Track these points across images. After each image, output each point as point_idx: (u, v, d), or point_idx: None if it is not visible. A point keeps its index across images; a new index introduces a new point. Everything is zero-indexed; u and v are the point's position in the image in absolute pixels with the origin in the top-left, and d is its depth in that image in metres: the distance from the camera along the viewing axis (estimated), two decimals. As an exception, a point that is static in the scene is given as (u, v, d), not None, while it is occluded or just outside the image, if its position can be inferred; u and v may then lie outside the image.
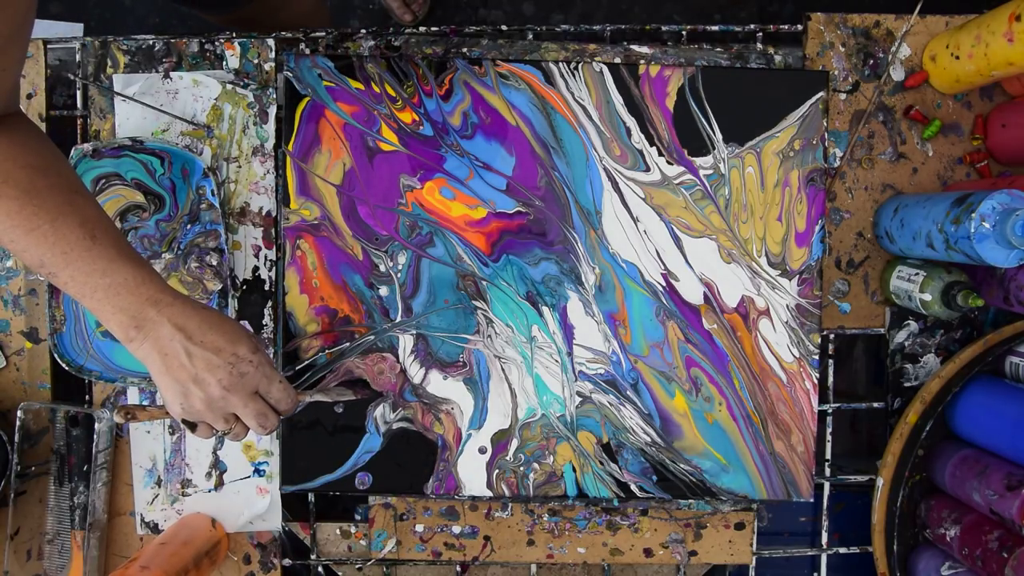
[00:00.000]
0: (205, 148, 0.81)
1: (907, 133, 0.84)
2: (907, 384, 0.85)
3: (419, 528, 0.85)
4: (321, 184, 0.80)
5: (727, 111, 0.80)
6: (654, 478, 0.81)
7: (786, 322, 0.81)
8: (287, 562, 0.85)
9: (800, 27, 0.84)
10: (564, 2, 1.61)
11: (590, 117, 0.80)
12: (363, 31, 0.84)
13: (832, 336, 0.85)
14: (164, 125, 0.81)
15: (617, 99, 0.80)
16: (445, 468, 0.81)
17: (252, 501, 0.83)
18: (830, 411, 0.86)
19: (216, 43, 0.82)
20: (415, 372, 0.80)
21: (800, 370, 0.81)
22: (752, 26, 0.85)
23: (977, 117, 0.83)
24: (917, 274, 0.76)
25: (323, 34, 0.84)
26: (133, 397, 0.83)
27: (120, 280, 0.55)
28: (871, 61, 0.83)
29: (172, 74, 0.81)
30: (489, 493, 0.81)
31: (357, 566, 0.86)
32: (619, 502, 0.84)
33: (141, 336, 0.56)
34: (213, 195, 0.80)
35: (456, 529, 0.85)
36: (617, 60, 0.83)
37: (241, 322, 0.82)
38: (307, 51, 0.84)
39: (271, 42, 0.82)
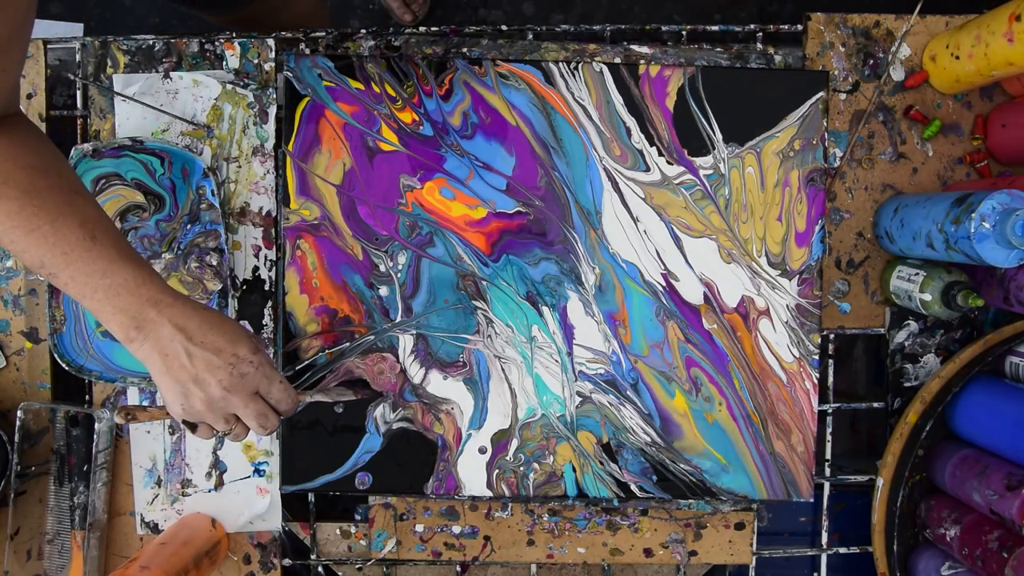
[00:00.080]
0: (205, 148, 0.81)
1: (907, 133, 0.84)
2: (907, 384, 0.85)
3: (419, 528, 0.85)
4: (321, 184, 0.80)
5: (727, 111, 0.80)
6: (654, 478, 0.81)
7: (786, 322, 0.81)
8: (287, 562, 0.85)
9: (800, 27, 0.84)
10: (564, 2, 1.61)
11: (590, 117, 0.80)
12: (363, 31, 0.84)
13: (832, 336, 0.85)
14: (164, 125, 0.81)
15: (617, 99, 0.80)
16: (445, 468, 0.81)
17: (252, 501, 0.83)
18: (830, 411, 0.86)
19: (216, 43, 0.82)
20: (415, 372, 0.80)
21: (800, 370, 0.81)
22: (752, 26, 0.85)
23: (977, 117, 0.83)
24: (917, 274, 0.76)
25: (323, 34, 0.84)
26: (133, 397, 0.83)
27: (120, 281, 0.55)
28: (871, 61, 0.83)
29: (172, 74, 0.81)
30: (489, 493, 0.81)
31: (357, 566, 0.86)
32: (619, 502, 0.85)
33: (141, 337, 0.56)
34: (213, 195, 0.80)
35: (456, 529, 0.85)
36: (617, 60, 0.83)
37: (241, 322, 0.82)
38: (307, 51, 0.84)
39: (271, 42, 0.82)
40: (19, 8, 0.51)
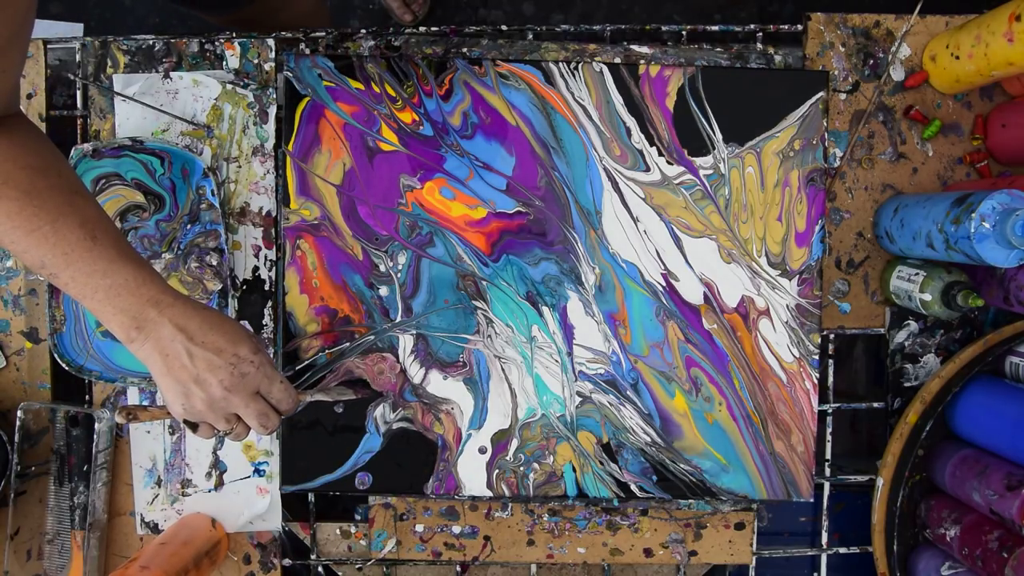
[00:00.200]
0: (205, 148, 0.81)
1: (907, 133, 0.84)
2: (907, 384, 0.85)
3: (419, 528, 0.85)
4: (321, 184, 0.80)
5: (727, 111, 0.80)
6: (654, 478, 0.81)
7: (786, 322, 0.81)
8: (287, 562, 0.85)
9: (800, 27, 0.84)
10: (564, 2, 1.61)
11: (590, 117, 0.80)
12: (363, 31, 0.84)
13: (832, 336, 0.85)
14: (164, 125, 0.81)
15: (617, 99, 0.80)
16: (445, 468, 0.81)
17: (252, 501, 0.83)
18: (830, 411, 0.86)
19: (216, 43, 0.82)
20: (415, 372, 0.80)
21: (800, 370, 0.81)
22: (752, 26, 0.85)
23: (977, 117, 0.83)
24: (917, 274, 0.76)
25: (323, 34, 0.84)
26: (133, 397, 0.83)
27: (121, 281, 0.55)
28: (871, 61, 0.83)
29: (172, 74, 0.81)
30: (489, 493, 0.81)
31: (357, 566, 0.86)
32: (619, 502, 0.85)
33: (142, 337, 0.56)
34: (213, 195, 0.80)
35: (456, 529, 0.85)
36: (617, 60, 0.83)
37: (241, 322, 0.82)
38: (307, 51, 0.84)
39: (271, 42, 0.82)
40: (19, 8, 0.51)
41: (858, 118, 0.84)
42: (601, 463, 0.81)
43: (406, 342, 0.80)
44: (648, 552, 0.85)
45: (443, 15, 1.62)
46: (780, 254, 0.81)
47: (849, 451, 0.97)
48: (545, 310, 0.81)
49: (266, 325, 0.83)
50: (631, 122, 0.80)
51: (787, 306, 0.81)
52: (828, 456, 0.86)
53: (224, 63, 0.82)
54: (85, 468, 0.82)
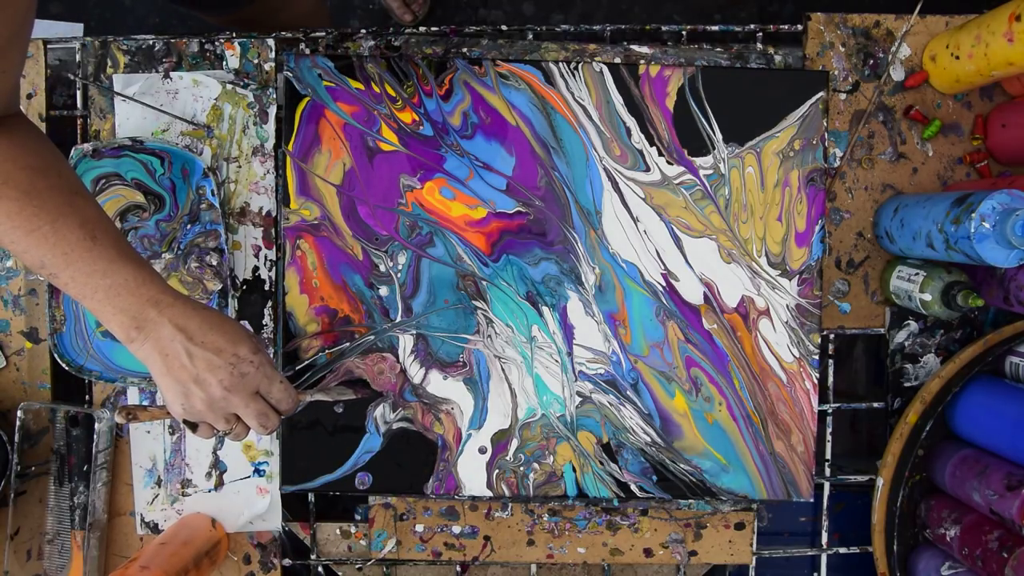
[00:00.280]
0: (205, 148, 0.81)
1: (907, 133, 0.84)
2: (907, 384, 0.85)
3: (419, 528, 0.85)
4: (321, 184, 0.80)
5: (727, 111, 0.80)
6: (654, 478, 0.81)
7: (786, 322, 0.81)
8: (287, 562, 0.85)
9: (800, 27, 0.84)
10: (564, 2, 1.61)
11: (590, 117, 0.80)
12: (363, 31, 0.84)
13: (832, 336, 0.85)
14: (164, 125, 0.81)
15: (617, 99, 0.80)
16: (445, 468, 0.81)
17: (252, 501, 0.83)
18: (830, 411, 0.86)
19: (216, 43, 0.82)
20: (415, 372, 0.80)
21: (800, 370, 0.81)
22: (752, 26, 0.85)
23: (977, 117, 0.83)
24: (917, 274, 0.76)
25: (323, 34, 0.84)
26: (133, 397, 0.83)
27: (121, 281, 0.55)
28: (871, 61, 0.83)
29: (172, 74, 0.81)
30: (489, 493, 0.81)
31: (357, 566, 0.86)
32: (619, 502, 0.85)
33: (142, 337, 0.56)
34: (213, 195, 0.80)
35: (456, 529, 0.85)
36: (617, 60, 0.83)
37: (241, 322, 0.82)
38: (307, 51, 0.84)
39: (271, 42, 0.82)
40: (19, 9, 0.51)
41: (858, 118, 0.84)
42: (601, 463, 0.81)
43: (406, 342, 0.80)
44: (648, 552, 0.85)
45: (443, 15, 1.62)
46: (780, 254, 0.81)
47: (849, 451, 0.97)
48: (545, 310, 0.81)
49: (266, 325, 0.83)
50: (631, 122, 0.80)
51: (787, 306, 0.81)
52: (828, 456, 0.86)
53: (224, 63, 0.82)
54: (85, 468, 0.82)
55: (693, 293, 0.81)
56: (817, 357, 0.81)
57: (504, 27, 0.85)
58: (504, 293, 0.80)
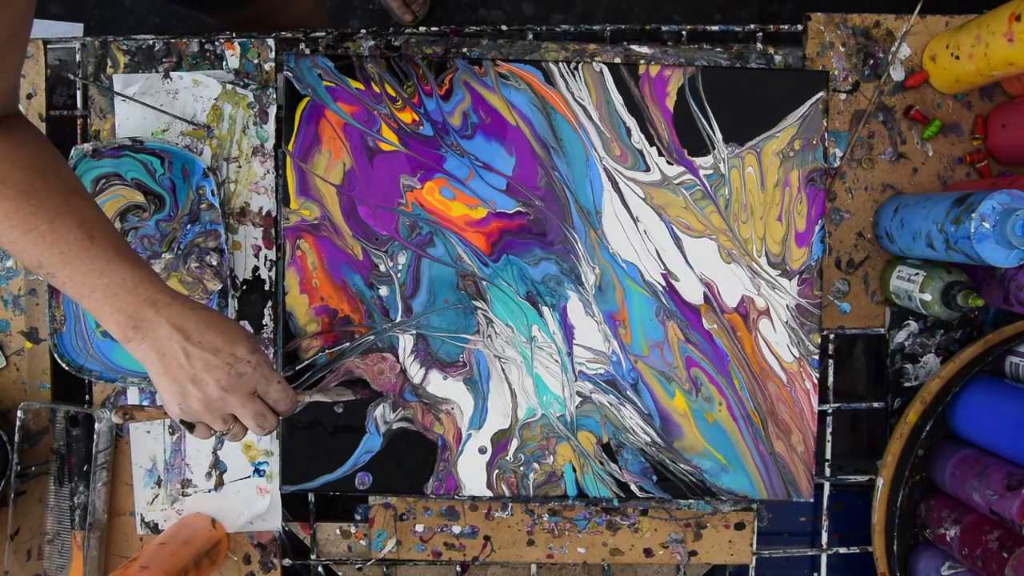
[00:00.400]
0: (205, 148, 0.81)
1: (907, 133, 0.84)
2: (907, 384, 0.85)
3: (419, 528, 0.85)
4: (321, 184, 0.80)
5: (727, 111, 0.80)
6: (654, 478, 0.81)
7: (786, 322, 0.81)
8: (287, 562, 0.85)
9: (800, 27, 0.84)
10: (564, 2, 1.61)
11: (590, 117, 0.80)
12: (363, 31, 0.84)
13: (832, 336, 0.85)
14: (164, 125, 0.81)
15: (617, 99, 0.80)
16: (445, 468, 0.81)
17: (252, 501, 0.83)
18: (830, 411, 0.86)
19: (216, 43, 0.82)
20: (415, 372, 0.80)
21: (800, 370, 0.81)
22: (752, 26, 0.84)
23: (977, 117, 0.83)
24: (917, 274, 0.76)
25: (323, 34, 0.84)
26: (133, 397, 0.83)
27: (118, 280, 0.55)
28: (871, 61, 0.83)
29: (172, 74, 0.81)
30: (489, 493, 0.81)
31: (357, 566, 0.86)
32: (619, 502, 0.84)
33: (139, 336, 0.56)
34: (213, 195, 0.80)
35: (456, 529, 0.85)
36: (617, 60, 0.83)
37: (241, 322, 0.82)
38: (307, 51, 0.84)
39: (271, 42, 0.82)
40: (18, 9, 0.51)
41: (858, 118, 0.84)
42: (601, 463, 0.81)
43: (406, 342, 0.80)
44: (648, 552, 0.85)
45: (443, 15, 1.62)
46: (780, 254, 0.81)
47: (849, 451, 0.97)
48: (545, 310, 0.81)
49: (266, 325, 0.83)
50: (631, 122, 0.80)
51: (787, 306, 0.81)
52: (828, 456, 0.86)
53: (224, 63, 0.82)
54: (85, 468, 0.82)
55: (693, 293, 0.81)
56: (817, 357, 0.81)
57: (504, 27, 0.85)
58: (504, 293, 0.80)
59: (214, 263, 0.81)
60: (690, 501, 0.84)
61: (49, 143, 0.59)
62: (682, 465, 0.81)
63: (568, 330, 0.81)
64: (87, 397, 0.83)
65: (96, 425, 0.82)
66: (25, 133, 0.58)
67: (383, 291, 0.80)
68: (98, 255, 0.55)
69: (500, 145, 0.80)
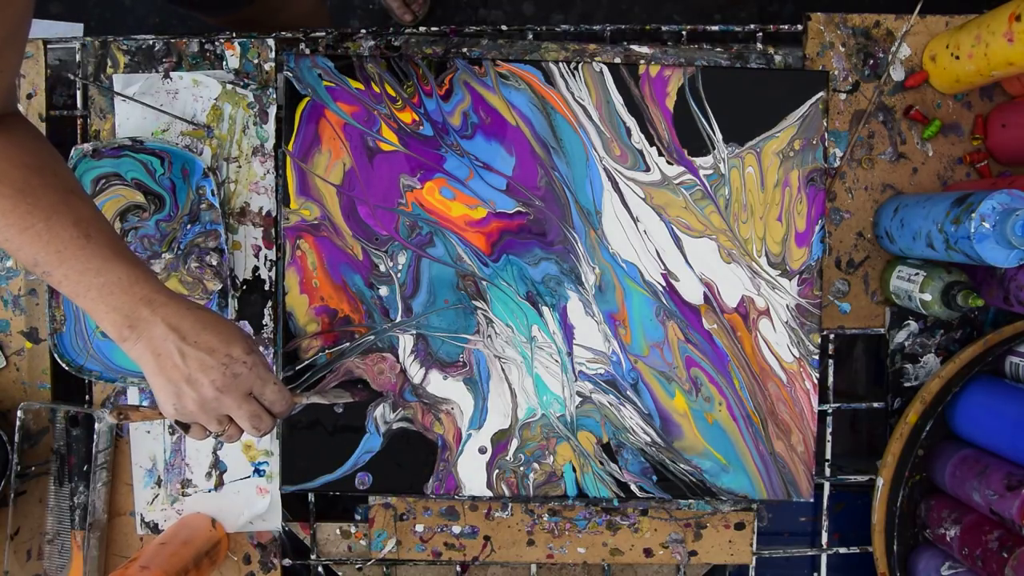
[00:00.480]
0: (205, 148, 0.81)
1: (907, 133, 0.84)
2: (907, 384, 0.85)
3: (419, 528, 0.85)
4: (321, 184, 0.80)
5: (727, 111, 0.80)
6: (654, 478, 0.81)
7: (786, 322, 0.81)
8: (287, 562, 0.85)
9: (800, 27, 0.84)
10: (564, 2, 1.61)
11: (590, 117, 0.80)
12: (363, 31, 0.84)
13: (832, 336, 0.85)
14: (164, 125, 0.81)
15: (617, 99, 0.80)
16: (445, 468, 0.81)
17: (252, 501, 0.83)
18: (830, 411, 0.86)
19: (216, 43, 0.82)
20: (415, 372, 0.80)
21: (800, 370, 0.81)
22: (752, 26, 0.84)
23: (977, 117, 0.83)
24: (917, 274, 0.76)
25: (323, 34, 0.84)
26: (133, 397, 0.83)
27: (114, 279, 0.55)
28: (871, 61, 0.83)
29: (172, 74, 0.81)
30: (489, 493, 0.81)
31: (357, 566, 0.86)
32: (619, 502, 0.84)
33: (135, 336, 0.55)
34: (213, 195, 0.80)
35: (456, 529, 0.85)
36: (617, 60, 0.83)
37: (241, 322, 0.82)
38: (307, 51, 0.84)
39: (271, 42, 0.82)
40: (17, 9, 0.51)
41: (858, 118, 0.84)
42: (601, 463, 0.81)
43: (406, 342, 0.80)
44: (648, 552, 0.85)
45: (443, 15, 1.62)
46: (780, 254, 0.81)
47: (849, 451, 0.97)
48: (545, 310, 0.81)
49: (266, 325, 0.83)
50: (631, 122, 0.80)
51: (787, 306, 0.81)
52: (828, 456, 0.86)
53: (224, 63, 0.82)
54: (85, 468, 0.82)
55: (693, 293, 0.81)
56: (817, 357, 0.81)
57: (504, 27, 0.85)
58: (504, 293, 0.80)
59: (214, 263, 0.81)
60: (690, 501, 0.84)
61: (47, 142, 0.59)
62: (682, 465, 0.81)
63: (568, 330, 0.81)
64: (87, 397, 0.83)
65: (96, 425, 0.82)
66: (23, 132, 0.58)
67: (383, 291, 0.80)
68: (94, 254, 0.55)
69: (500, 145, 0.80)
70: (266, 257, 0.83)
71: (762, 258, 0.81)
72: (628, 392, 0.81)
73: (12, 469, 0.80)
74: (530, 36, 0.85)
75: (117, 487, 0.84)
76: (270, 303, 0.83)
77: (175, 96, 0.81)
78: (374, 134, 0.80)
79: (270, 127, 0.82)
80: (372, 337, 0.80)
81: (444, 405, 0.80)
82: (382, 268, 0.80)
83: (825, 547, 0.87)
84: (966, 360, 0.78)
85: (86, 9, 1.59)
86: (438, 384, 0.80)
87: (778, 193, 0.81)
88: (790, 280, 0.81)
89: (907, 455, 0.79)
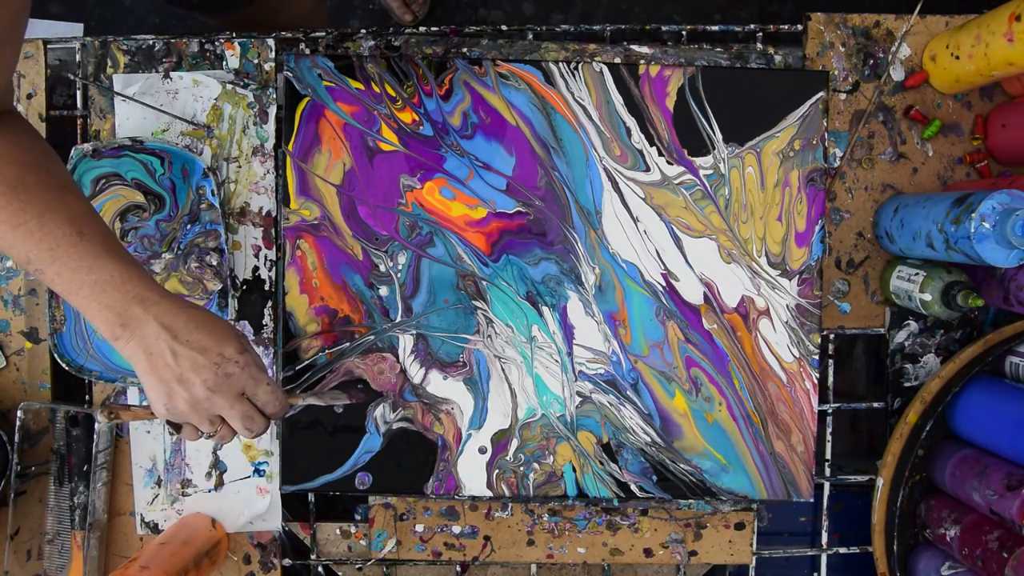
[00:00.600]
0: (205, 148, 0.81)
1: (907, 133, 0.84)
2: (907, 384, 0.85)
3: (419, 528, 0.85)
4: (321, 184, 0.80)
5: (727, 111, 0.80)
6: (654, 478, 0.81)
7: (786, 322, 0.81)
8: (287, 562, 0.85)
9: (800, 27, 0.84)
10: (564, 2, 1.61)
11: (590, 117, 0.80)
12: (363, 31, 0.84)
13: (832, 336, 0.85)
14: (164, 125, 0.81)
15: (617, 99, 0.80)
16: (445, 468, 0.81)
17: (252, 501, 0.83)
18: (830, 411, 0.86)
19: (216, 43, 0.82)
20: (415, 372, 0.80)
21: (800, 370, 0.81)
22: (752, 26, 0.84)
23: (977, 117, 0.83)
24: (917, 274, 0.76)
25: (323, 34, 0.84)
26: (133, 397, 0.83)
27: (106, 277, 0.54)
28: (871, 61, 0.83)
29: (172, 74, 0.81)
30: (489, 493, 0.81)
31: (357, 566, 0.86)
32: (619, 502, 0.84)
33: (127, 334, 0.55)
34: (213, 195, 0.80)
35: (456, 529, 0.85)
36: (617, 60, 0.83)
37: (241, 322, 0.82)
38: (307, 51, 0.84)
39: (271, 42, 0.82)
40: (13, 8, 0.51)
41: (858, 118, 0.84)
42: (601, 463, 0.81)
43: (406, 342, 0.80)
44: (648, 552, 0.85)
45: (443, 15, 1.62)
46: (780, 254, 0.81)
47: (849, 451, 0.97)
48: (545, 310, 0.81)
49: (266, 325, 0.83)
50: (631, 122, 0.80)
51: (787, 306, 0.81)
52: (828, 456, 0.86)
53: (224, 63, 0.82)
54: (85, 468, 0.82)
55: (693, 293, 0.81)
56: (817, 357, 0.81)
57: (504, 27, 0.85)
58: (504, 293, 0.80)
59: (214, 263, 0.81)
60: (690, 501, 0.84)
61: (42, 140, 0.59)
62: (682, 465, 0.81)
63: (568, 330, 0.81)
64: (87, 397, 0.83)
65: (96, 425, 0.82)
66: (19, 129, 0.57)
67: (383, 291, 0.80)
68: (87, 251, 0.54)
69: (500, 145, 0.80)
70: (266, 257, 0.83)
71: (762, 258, 0.81)
72: (628, 392, 0.81)
73: (12, 469, 0.80)
74: (530, 36, 0.85)
75: (117, 487, 0.84)
76: (270, 303, 0.83)
77: (175, 96, 0.81)
78: (374, 134, 0.80)
79: (270, 127, 0.82)
80: (372, 337, 0.80)
81: (444, 405, 0.80)
82: (382, 268, 0.80)
83: (825, 547, 0.87)
84: (966, 360, 0.78)
85: (86, 9, 1.59)
86: (438, 384, 0.80)
87: (778, 193, 0.81)
88: (790, 280, 0.81)
89: (907, 455, 0.79)
